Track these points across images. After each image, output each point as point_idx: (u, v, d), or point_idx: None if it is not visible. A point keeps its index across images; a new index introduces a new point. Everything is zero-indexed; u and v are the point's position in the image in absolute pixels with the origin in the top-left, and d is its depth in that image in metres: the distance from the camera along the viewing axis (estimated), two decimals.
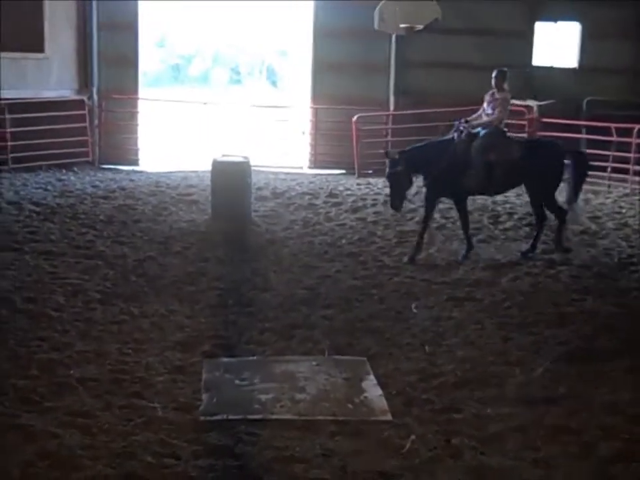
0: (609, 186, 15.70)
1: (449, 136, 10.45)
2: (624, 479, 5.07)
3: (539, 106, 17.39)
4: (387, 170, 10.26)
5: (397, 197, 10.15)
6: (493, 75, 10.47)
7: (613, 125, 15.84)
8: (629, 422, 5.78)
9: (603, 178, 15.92)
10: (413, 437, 5.56)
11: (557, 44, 18.85)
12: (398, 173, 9.98)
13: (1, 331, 7.22)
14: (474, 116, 10.56)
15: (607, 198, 14.84)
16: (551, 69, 18.58)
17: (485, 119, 10.39)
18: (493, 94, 10.44)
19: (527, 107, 17.61)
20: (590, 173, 11.23)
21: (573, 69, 18.62)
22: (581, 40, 18.47)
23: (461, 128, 10.27)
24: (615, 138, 15.88)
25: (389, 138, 17.90)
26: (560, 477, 5.07)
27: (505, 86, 10.43)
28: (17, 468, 4.97)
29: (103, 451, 5.23)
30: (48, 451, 5.17)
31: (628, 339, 7.42)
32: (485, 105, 10.50)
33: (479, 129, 10.33)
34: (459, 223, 12.21)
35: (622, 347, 7.24)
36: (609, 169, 15.92)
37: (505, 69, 10.56)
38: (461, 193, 10.46)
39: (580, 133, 17.22)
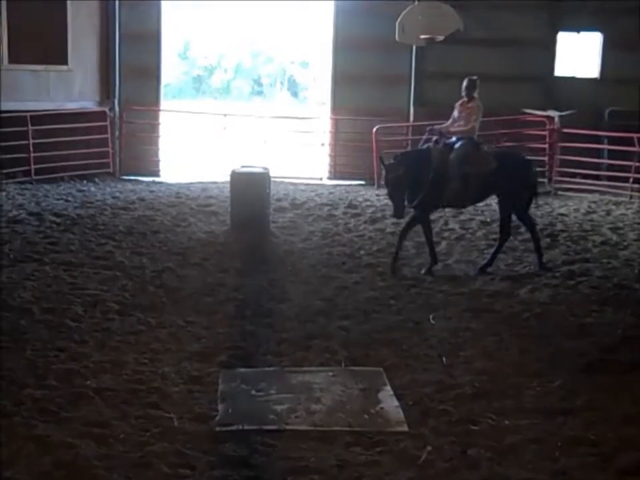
0: (631, 197, 15.62)
1: (423, 146, 10.36)
2: None
3: (560, 116, 17.32)
4: (386, 175, 9.88)
5: (400, 203, 9.84)
6: (464, 84, 10.35)
7: (635, 135, 15.74)
8: None
9: (624, 189, 15.86)
10: (429, 447, 5.52)
11: (578, 54, 18.76)
12: (399, 176, 9.71)
13: (20, 341, 7.25)
14: (445, 124, 10.39)
15: (629, 209, 14.74)
16: (572, 79, 18.50)
17: (457, 128, 10.26)
18: (463, 103, 10.34)
19: (548, 117, 17.57)
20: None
21: (595, 79, 18.53)
22: (602, 50, 18.39)
23: (434, 139, 10.17)
24: (637, 148, 15.78)
25: (409, 149, 17.87)
26: None
27: (476, 94, 10.31)
28: (33, 478, 4.98)
29: (118, 461, 5.24)
30: (64, 461, 5.17)
31: None
32: (455, 113, 10.38)
33: (454, 138, 10.19)
34: (477, 234, 12.26)
35: None
36: (630, 180, 15.83)
37: (475, 77, 10.40)
38: (437, 205, 10.39)
39: (601, 143, 17.15)
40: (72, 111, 16.51)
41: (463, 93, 10.33)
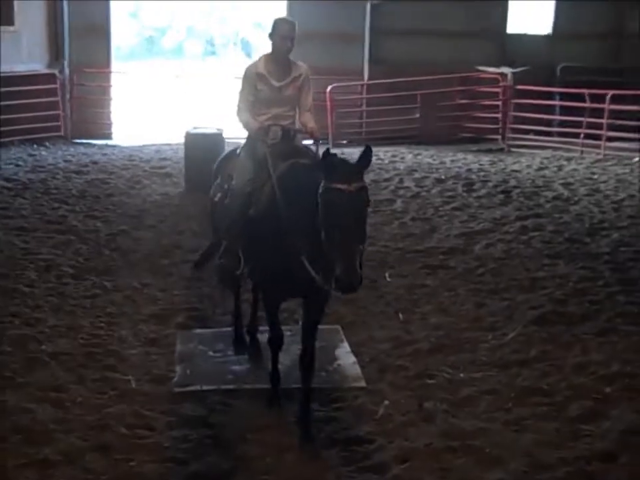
0: (582, 152, 15.79)
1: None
2: (594, 438, 5.13)
3: (513, 73, 17.37)
4: None
5: None
6: (282, 29, 6.06)
7: (586, 91, 15.89)
8: (599, 382, 5.86)
9: (576, 144, 16.03)
10: (386, 402, 5.61)
11: (531, 10, 18.81)
12: None
13: None
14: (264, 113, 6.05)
15: (580, 164, 14.92)
16: (525, 35, 18.56)
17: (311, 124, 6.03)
18: (274, 68, 6.17)
19: (501, 74, 17.61)
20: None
21: (547, 36, 18.63)
22: (555, 6, 18.46)
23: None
24: (588, 104, 15.93)
25: (364, 107, 17.88)
26: (530, 437, 5.13)
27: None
28: None
29: (76, 424, 5.24)
30: (21, 426, 5.16)
31: (598, 303, 7.51)
32: (262, 86, 6.08)
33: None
34: (432, 192, 12.30)
35: (592, 310, 7.33)
36: (581, 135, 16.00)
37: (293, 20, 6.23)
38: None
39: (554, 99, 17.28)
40: (20, 74, 16.13)
41: (285, 48, 6.15)
